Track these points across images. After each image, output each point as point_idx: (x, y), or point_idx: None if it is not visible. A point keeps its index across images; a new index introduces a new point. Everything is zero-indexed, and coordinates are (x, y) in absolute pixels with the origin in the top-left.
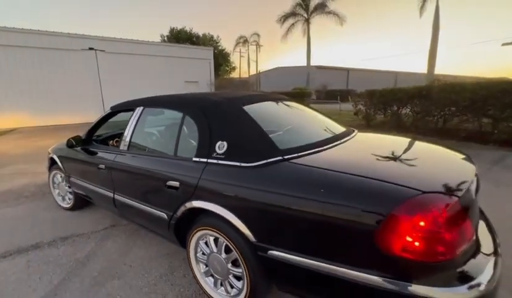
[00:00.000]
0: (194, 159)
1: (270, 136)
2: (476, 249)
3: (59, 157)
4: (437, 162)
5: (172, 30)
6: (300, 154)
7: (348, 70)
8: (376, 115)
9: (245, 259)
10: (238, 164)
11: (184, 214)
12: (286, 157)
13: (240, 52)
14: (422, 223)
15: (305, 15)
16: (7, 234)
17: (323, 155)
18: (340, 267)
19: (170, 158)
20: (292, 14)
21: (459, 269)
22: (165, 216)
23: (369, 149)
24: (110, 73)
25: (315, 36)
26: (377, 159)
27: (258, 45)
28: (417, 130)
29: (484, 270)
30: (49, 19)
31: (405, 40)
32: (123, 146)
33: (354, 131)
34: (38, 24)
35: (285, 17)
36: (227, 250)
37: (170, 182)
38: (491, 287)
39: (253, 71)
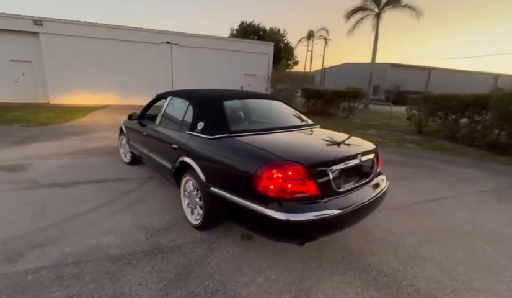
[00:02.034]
0: (187, 132)
1: (233, 122)
2: (320, 198)
3: (125, 127)
4: (326, 145)
5: (241, 24)
6: (241, 134)
7: (429, 69)
8: (432, 122)
9: (202, 194)
10: (205, 136)
11: (179, 165)
12: (231, 135)
13: (307, 46)
14: (275, 176)
15: (376, 10)
16: (91, 172)
17: (257, 136)
18: (240, 198)
19: (176, 130)
20: (361, 9)
21: (297, 205)
22: (169, 166)
23: (299, 137)
24: (180, 63)
25: (390, 31)
26: (290, 141)
27: (326, 40)
28: (472, 142)
29: (319, 212)
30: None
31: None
32: (157, 121)
33: (313, 125)
34: (118, 20)
35: (353, 12)
36: (197, 190)
37: (173, 145)
38: (321, 220)
39: (318, 66)
